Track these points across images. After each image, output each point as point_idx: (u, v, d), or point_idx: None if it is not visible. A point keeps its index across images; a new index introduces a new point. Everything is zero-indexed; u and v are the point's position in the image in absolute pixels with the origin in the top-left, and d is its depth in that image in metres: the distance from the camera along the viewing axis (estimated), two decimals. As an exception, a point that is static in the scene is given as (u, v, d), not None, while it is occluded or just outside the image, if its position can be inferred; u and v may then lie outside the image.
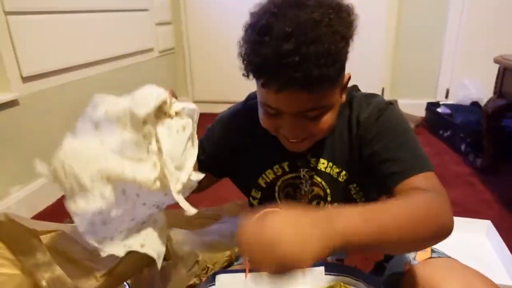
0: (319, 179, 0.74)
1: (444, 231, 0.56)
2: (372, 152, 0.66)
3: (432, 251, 0.75)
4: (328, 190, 0.74)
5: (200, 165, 0.80)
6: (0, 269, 0.60)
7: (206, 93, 2.85)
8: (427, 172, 0.63)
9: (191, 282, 0.66)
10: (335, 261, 0.75)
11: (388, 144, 0.66)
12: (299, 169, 0.75)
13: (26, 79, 1.39)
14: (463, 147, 1.89)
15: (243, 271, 0.64)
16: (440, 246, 0.77)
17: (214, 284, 0.61)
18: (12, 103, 1.35)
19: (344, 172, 0.72)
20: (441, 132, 2.14)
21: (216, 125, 0.82)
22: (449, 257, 0.74)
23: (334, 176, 0.73)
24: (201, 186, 0.84)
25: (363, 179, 0.72)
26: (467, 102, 2.29)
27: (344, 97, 0.68)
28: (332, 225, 0.46)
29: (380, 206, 0.53)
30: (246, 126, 0.77)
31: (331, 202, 0.75)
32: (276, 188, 0.78)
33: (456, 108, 2.22)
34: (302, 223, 0.45)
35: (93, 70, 1.80)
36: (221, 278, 0.63)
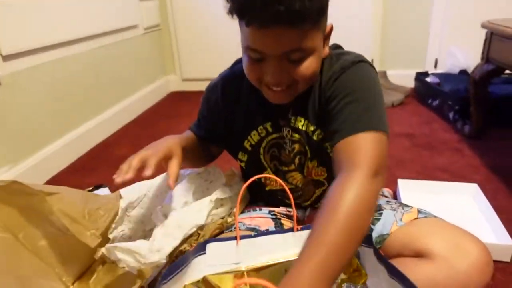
0: (297, 136, 0.76)
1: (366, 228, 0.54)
2: (327, 111, 0.68)
3: (419, 211, 0.76)
4: (306, 147, 0.76)
5: (205, 140, 0.87)
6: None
7: (195, 71, 2.81)
8: (377, 132, 0.61)
9: (182, 247, 0.67)
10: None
11: (340, 102, 0.65)
12: (282, 129, 0.76)
13: (6, 58, 1.36)
14: (451, 115, 1.91)
15: (234, 238, 0.65)
16: (429, 209, 0.78)
17: (204, 253, 0.62)
18: (-7, 83, 1.32)
19: (318, 131, 0.74)
20: (430, 101, 2.15)
21: (206, 95, 0.86)
22: (436, 217, 0.75)
23: (309, 134, 0.75)
24: (213, 154, 0.92)
25: None
26: (455, 70, 2.29)
27: (327, 49, 0.69)
28: None
29: (315, 248, 0.50)
30: (232, 90, 0.79)
31: (311, 159, 0.78)
32: (261, 150, 0.80)
33: (444, 77, 2.22)
34: None
35: (76, 48, 1.76)
36: (212, 246, 0.63)
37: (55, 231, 0.72)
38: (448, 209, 1.16)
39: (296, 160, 0.78)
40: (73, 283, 0.77)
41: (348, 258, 0.51)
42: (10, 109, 1.40)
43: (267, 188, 0.85)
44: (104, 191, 1.21)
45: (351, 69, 0.68)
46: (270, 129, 0.78)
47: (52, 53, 1.60)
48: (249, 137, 0.79)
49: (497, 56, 1.47)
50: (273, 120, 0.77)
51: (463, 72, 2.25)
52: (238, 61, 0.80)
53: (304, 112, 0.74)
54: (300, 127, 0.75)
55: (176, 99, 2.72)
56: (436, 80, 2.19)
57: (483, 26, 1.51)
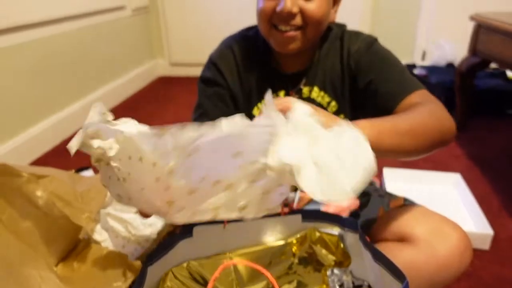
0: None
1: (449, 133, 0.63)
2: (370, 80, 0.71)
3: (404, 199, 0.78)
4: None
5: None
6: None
7: (184, 55, 2.77)
8: (421, 89, 0.70)
9: (171, 228, 0.67)
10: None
11: (384, 71, 0.71)
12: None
13: (-12, 35, 1.32)
14: (437, 106, 1.93)
15: (222, 222, 0.65)
16: (412, 198, 0.80)
17: (191, 236, 0.62)
18: (-26, 61, 1.28)
19: (334, 103, 0.76)
20: (416, 92, 2.18)
21: (209, 69, 0.81)
22: (420, 205, 0.77)
23: (324, 105, 0.76)
24: None
25: (352, 111, 0.77)
26: (442, 63, 2.31)
27: (334, 15, 0.73)
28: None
29: (392, 116, 0.61)
30: (247, 52, 0.78)
31: None
32: None
33: (431, 69, 2.24)
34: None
35: (62, 27, 1.71)
36: (198, 230, 0.63)
37: (38, 213, 0.71)
38: (431, 197, 1.18)
39: None
40: (56, 265, 0.76)
41: (413, 144, 0.57)
42: (-9, 88, 1.36)
43: None
44: (88, 173, 1.20)
45: (375, 45, 0.74)
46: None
47: (37, 31, 1.56)
48: (259, 104, 0.79)
49: (484, 48, 1.49)
50: (286, 89, 0.77)
51: (449, 65, 2.28)
52: (241, 31, 0.82)
53: (321, 83, 0.76)
54: (314, 98, 0.76)
55: (163, 83, 2.68)
56: (423, 72, 2.22)
57: (472, 18, 1.52)
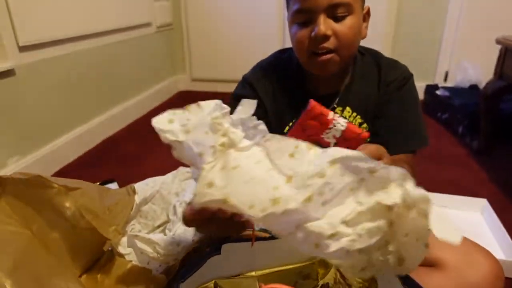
0: None
1: None
2: (388, 114, 0.75)
3: (432, 223, 0.76)
4: None
5: None
6: (8, 227, 0.60)
7: (205, 71, 2.82)
8: (420, 147, 0.76)
9: (196, 244, 0.66)
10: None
11: (403, 115, 0.75)
12: None
13: (23, 49, 1.36)
14: (460, 129, 1.90)
15: (249, 240, 0.65)
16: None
17: (219, 253, 0.62)
18: (8, 73, 1.32)
19: (365, 125, 0.78)
20: (439, 114, 2.15)
21: (243, 87, 0.82)
22: (449, 229, 0.75)
23: None
24: None
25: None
26: (465, 85, 2.29)
27: (365, 30, 0.75)
28: None
29: None
30: (275, 81, 0.80)
31: None
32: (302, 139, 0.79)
33: (454, 91, 2.22)
34: None
35: (89, 43, 1.77)
36: (226, 248, 0.63)
37: (65, 224, 0.72)
38: (456, 223, 1.15)
39: None
40: (81, 275, 0.77)
41: None
42: (22, 100, 1.40)
43: None
44: (113, 186, 1.21)
45: (410, 82, 0.78)
46: None
47: (66, 46, 1.61)
48: (291, 124, 0.79)
49: (511, 72, 1.47)
50: None
51: (473, 86, 2.25)
52: (272, 55, 0.84)
53: (354, 104, 0.77)
54: (346, 117, 0.77)
55: (184, 98, 2.72)
56: (446, 93, 2.19)
57: (498, 42, 1.51)
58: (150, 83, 2.44)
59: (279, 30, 2.56)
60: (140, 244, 0.64)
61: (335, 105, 0.77)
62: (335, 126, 0.61)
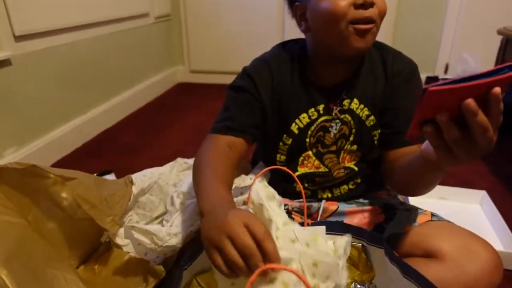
0: (349, 118, 0.77)
1: None
2: (397, 106, 0.75)
3: (432, 215, 0.76)
4: (353, 130, 0.78)
5: (235, 134, 0.76)
6: (4, 217, 0.60)
7: (203, 63, 2.80)
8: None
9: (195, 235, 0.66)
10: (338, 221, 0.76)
11: (412, 106, 0.71)
12: (333, 110, 0.78)
13: (18, 38, 1.35)
14: (460, 121, 1.89)
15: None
16: (437, 213, 0.78)
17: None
18: (4, 63, 1.31)
19: (372, 117, 0.77)
20: (438, 106, 2.14)
21: (242, 79, 0.79)
22: (448, 221, 0.75)
23: (363, 118, 0.77)
24: (241, 153, 0.80)
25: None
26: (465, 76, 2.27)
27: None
28: None
29: None
30: (285, 69, 0.78)
31: (352, 143, 0.80)
32: (309, 132, 0.79)
33: (454, 82, 2.21)
34: None
35: (87, 33, 1.75)
36: None
37: (62, 214, 0.71)
38: (455, 214, 1.15)
39: (338, 143, 0.79)
40: (78, 266, 0.76)
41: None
42: (19, 90, 1.39)
43: (297, 173, 0.82)
44: (110, 177, 1.20)
45: (417, 73, 0.77)
46: (322, 112, 0.78)
47: (63, 36, 1.59)
48: (297, 120, 0.78)
49: (512, 63, 1.45)
50: (326, 103, 0.77)
51: (473, 78, 2.24)
52: (276, 48, 0.82)
53: (361, 96, 0.76)
54: (354, 109, 0.77)
55: (182, 90, 2.71)
56: (446, 85, 2.18)
57: (499, 32, 1.49)
58: (148, 75, 2.42)
59: (278, 21, 2.53)
60: (137, 235, 0.63)
61: (344, 96, 0.76)
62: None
